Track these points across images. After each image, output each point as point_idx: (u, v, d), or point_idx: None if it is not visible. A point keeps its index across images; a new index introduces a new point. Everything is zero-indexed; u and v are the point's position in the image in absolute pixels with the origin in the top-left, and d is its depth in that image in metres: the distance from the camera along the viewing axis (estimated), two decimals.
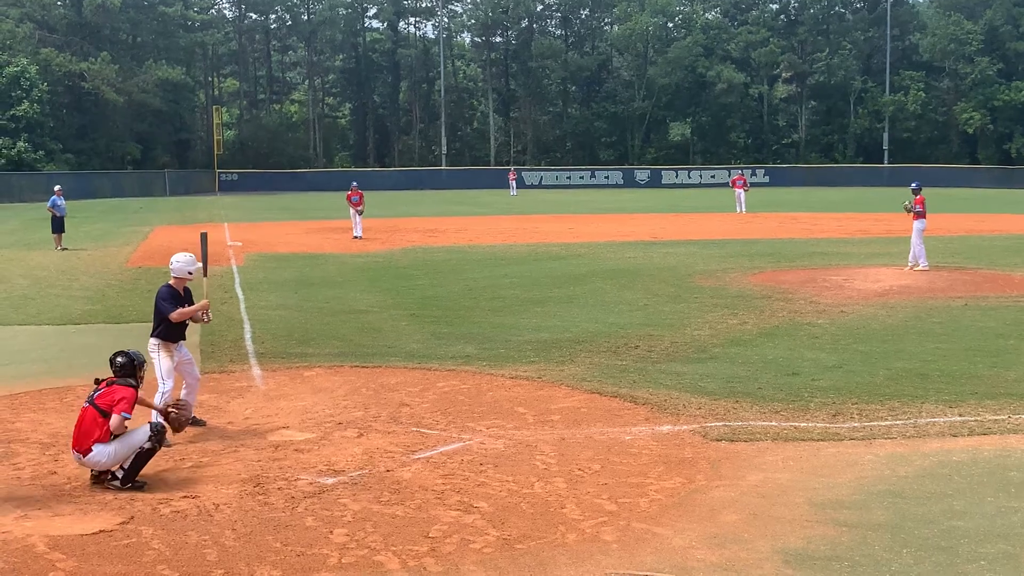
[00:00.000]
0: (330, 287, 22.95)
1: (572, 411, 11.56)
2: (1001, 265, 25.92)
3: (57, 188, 34.51)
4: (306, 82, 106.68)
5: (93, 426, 8.88)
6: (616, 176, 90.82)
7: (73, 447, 9.01)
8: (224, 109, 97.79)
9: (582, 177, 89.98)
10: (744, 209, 48.47)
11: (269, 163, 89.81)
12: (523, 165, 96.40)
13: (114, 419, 8.83)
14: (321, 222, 43.69)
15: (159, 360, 10.75)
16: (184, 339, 11.07)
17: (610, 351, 14.95)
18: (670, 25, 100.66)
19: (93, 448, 8.82)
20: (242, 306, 19.66)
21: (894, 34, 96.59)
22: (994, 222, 42.06)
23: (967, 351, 14.78)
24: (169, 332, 10.77)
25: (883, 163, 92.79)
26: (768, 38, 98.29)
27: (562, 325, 17.30)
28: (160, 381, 10.70)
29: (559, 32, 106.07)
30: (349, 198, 35.81)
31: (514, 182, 73.21)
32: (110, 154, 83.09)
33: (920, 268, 24.25)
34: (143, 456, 8.98)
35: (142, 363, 9.46)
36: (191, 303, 10.92)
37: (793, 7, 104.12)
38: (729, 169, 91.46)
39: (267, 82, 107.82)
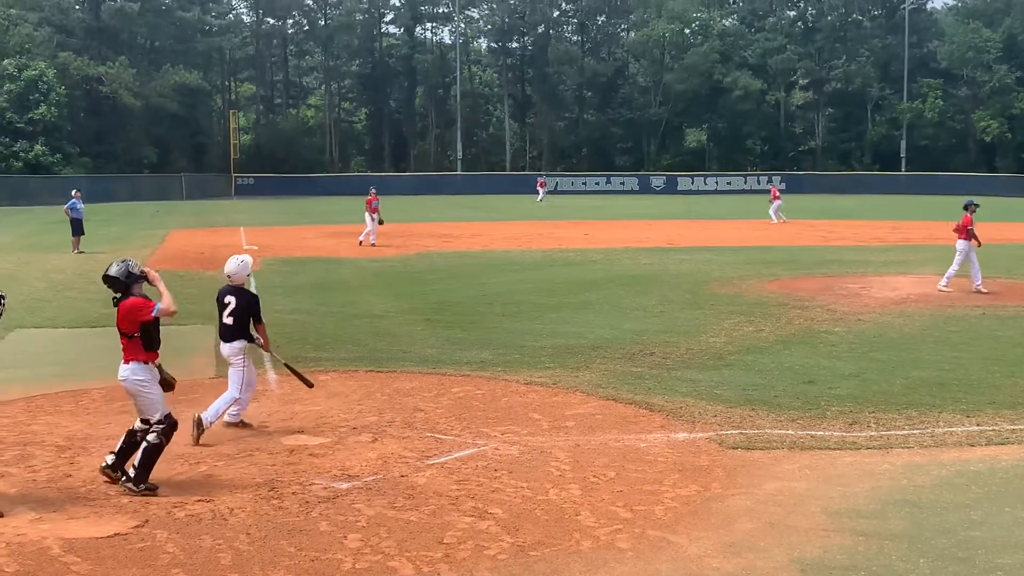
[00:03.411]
0: (345, 291, 22.97)
1: (587, 417, 11.52)
2: (1019, 274, 25.79)
3: (75, 192, 34.62)
4: (323, 87, 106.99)
5: (129, 346, 9.02)
6: (632, 182, 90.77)
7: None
8: (241, 113, 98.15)
9: (598, 183, 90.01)
10: (775, 219, 47.58)
11: (285, 168, 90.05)
12: (539, 171, 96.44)
13: (156, 307, 8.92)
14: (337, 226, 43.74)
15: (245, 368, 10.90)
16: None
17: (625, 358, 14.90)
18: (687, 31, 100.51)
19: (129, 364, 9.01)
20: None
21: (912, 41, 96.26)
22: (1012, 231, 41.82)
23: (985, 360, 14.69)
24: (250, 334, 10.96)
25: (900, 171, 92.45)
26: (785, 45, 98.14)
27: (577, 331, 17.26)
28: (239, 389, 10.85)
29: (575, 38, 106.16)
30: (369, 203, 34.96)
31: (543, 190, 73.26)
32: (127, 158, 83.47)
33: (973, 288, 22.02)
34: (151, 452, 8.93)
35: (134, 272, 9.12)
36: None
37: (811, 14, 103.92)
38: (745, 176, 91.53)
39: (284, 87, 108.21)
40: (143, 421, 9.15)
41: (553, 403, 12.21)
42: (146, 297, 9.17)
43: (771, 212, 48.39)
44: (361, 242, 34.42)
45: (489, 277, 25.47)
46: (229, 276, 11.06)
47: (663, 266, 27.85)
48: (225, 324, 10.95)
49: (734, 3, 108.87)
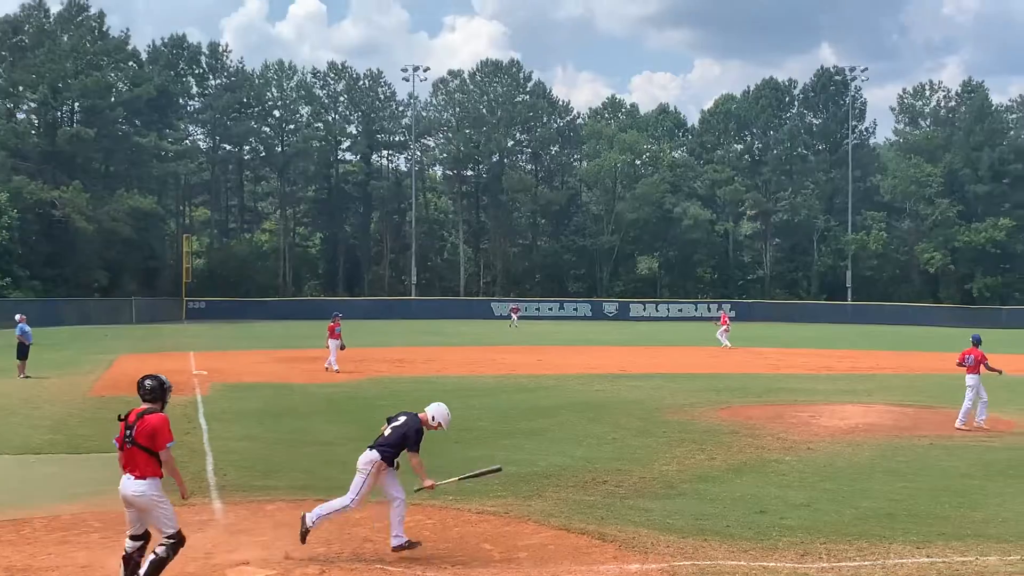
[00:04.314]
0: (296, 418, 22.74)
1: (539, 548, 11.40)
2: None
3: (19, 316, 34.11)
4: (278, 212, 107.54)
5: (148, 462, 9.17)
6: (585, 308, 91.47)
7: (125, 469, 9.26)
8: (194, 238, 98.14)
9: (551, 309, 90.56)
10: (723, 342, 48.66)
11: (238, 291, 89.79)
12: (492, 296, 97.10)
13: (163, 455, 9.17)
14: (289, 351, 43.49)
15: (367, 479, 11.04)
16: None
17: (578, 486, 14.83)
18: (638, 162, 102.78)
19: (147, 479, 9.13)
20: (205, 437, 19.40)
21: (855, 175, 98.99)
22: (956, 361, 42.37)
23: (933, 491, 14.78)
24: (392, 457, 11.09)
25: (847, 300, 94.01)
26: (733, 177, 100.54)
27: (529, 458, 17.17)
28: (352, 495, 11.01)
29: (529, 167, 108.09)
30: (332, 329, 34.51)
31: (516, 315, 74.01)
32: (77, 281, 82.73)
33: (976, 423, 21.57)
34: (158, 565, 9.10)
35: (170, 387, 9.71)
36: None
37: (757, 148, 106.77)
38: (696, 304, 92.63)
39: (239, 211, 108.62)
40: (133, 537, 9.33)
41: (505, 533, 12.09)
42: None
43: (718, 335, 49.35)
44: (327, 368, 34.04)
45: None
46: (432, 416, 11.58)
47: (615, 393, 27.89)
48: (382, 433, 11.30)
49: (683, 136, 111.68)
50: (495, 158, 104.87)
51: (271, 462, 16.89)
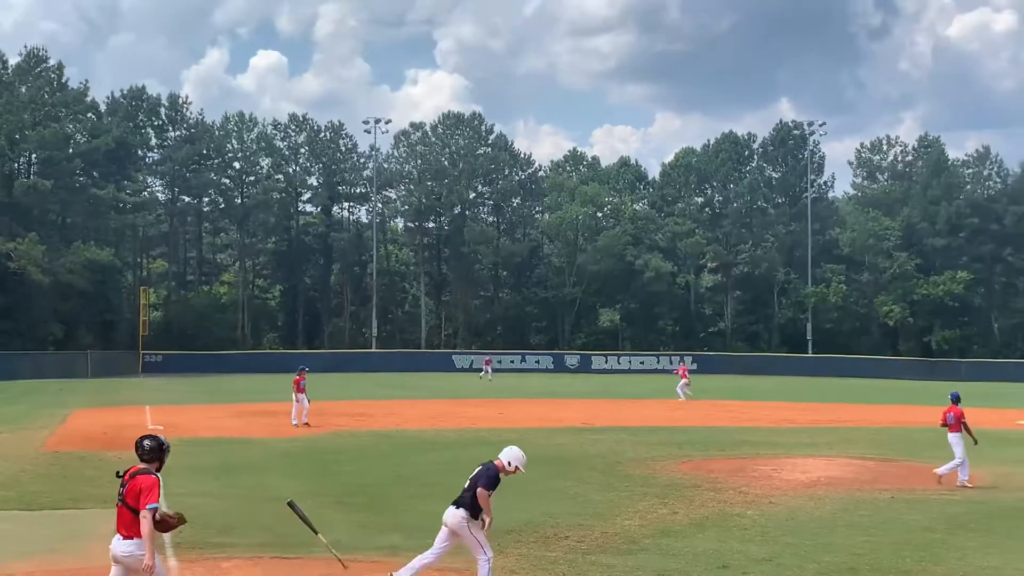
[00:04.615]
0: (253, 473, 22.39)
1: None
2: (925, 457, 26.09)
3: None
4: (237, 264, 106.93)
5: (135, 523, 9.11)
6: (547, 360, 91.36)
7: (117, 528, 9.28)
8: (151, 290, 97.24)
9: (513, 361, 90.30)
10: (681, 396, 49.03)
11: (195, 344, 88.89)
12: (454, 348, 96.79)
13: (142, 515, 9.05)
14: (246, 404, 43.02)
15: (474, 533, 11.26)
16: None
17: (540, 541, 14.67)
18: (599, 215, 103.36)
19: (134, 540, 9.11)
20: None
21: (815, 228, 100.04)
22: (916, 414, 42.55)
23: (896, 545, 14.74)
24: (474, 507, 11.19)
25: (807, 352, 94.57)
26: (694, 229, 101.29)
27: None
28: (482, 549, 11.18)
29: (491, 219, 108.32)
30: (297, 383, 34.08)
31: (489, 367, 73.86)
32: (32, 335, 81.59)
33: (958, 483, 20.86)
34: None
35: (168, 447, 9.63)
36: None
37: (718, 200, 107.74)
38: (658, 356, 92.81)
39: (197, 263, 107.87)
40: None
41: None
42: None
43: (677, 389, 49.60)
44: (296, 424, 33.30)
45: (402, 457, 25.11)
46: (508, 461, 11.81)
47: (578, 446, 27.76)
48: (466, 488, 11.55)
49: (644, 188, 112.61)
50: (457, 210, 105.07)
51: (228, 518, 16.57)
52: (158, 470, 9.42)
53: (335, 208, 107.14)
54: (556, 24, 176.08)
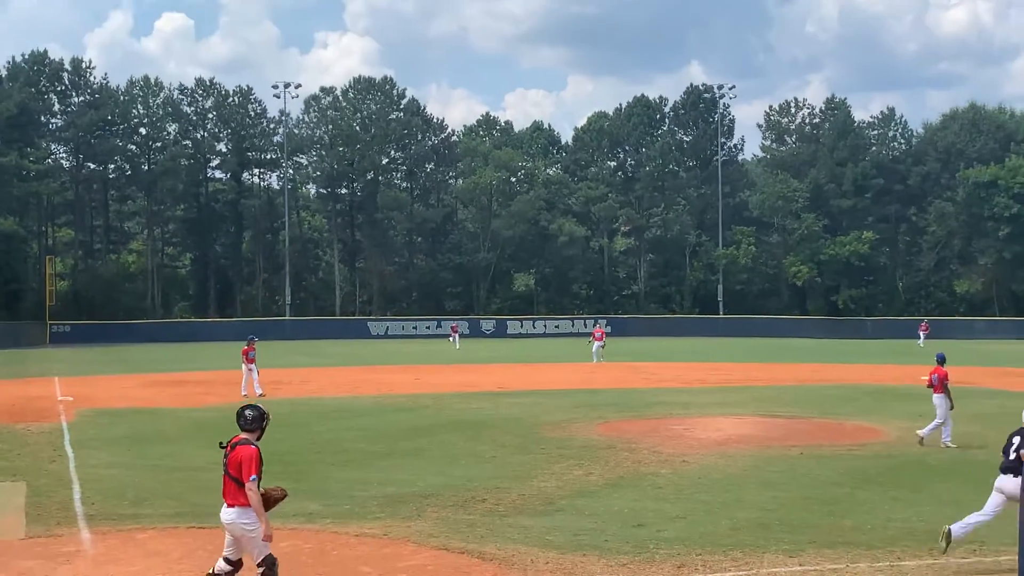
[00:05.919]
0: (166, 443, 22.12)
1: (419, 569, 11.30)
2: (833, 414, 26.83)
3: None
4: (145, 232, 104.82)
5: (238, 492, 9.32)
6: (462, 326, 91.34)
7: (225, 500, 9.50)
8: (58, 259, 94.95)
9: (428, 327, 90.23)
10: (595, 359, 49.33)
11: (104, 314, 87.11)
12: (369, 315, 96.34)
13: (247, 487, 9.24)
14: (158, 375, 42.37)
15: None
16: None
17: (457, 505, 14.76)
18: (513, 179, 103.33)
19: (236, 508, 9.36)
20: (71, 465, 18.73)
21: (725, 191, 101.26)
22: (824, 371, 43.69)
23: (805, 500, 15.14)
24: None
25: (719, 314, 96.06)
26: (607, 193, 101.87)
27: (408, 479, 17.04)
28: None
29: (404, 184, 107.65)
30: (246, 352, 33.42)
31: (456, 334, 73.47)
32: None
33: (942, 443, 20.69)
34: None
35: (269, 417, 9.76)
36: None
37: (630, 164, 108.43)
38: (572, 319, 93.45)
39: (104, 232, 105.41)
40: (227, 560, 9.64)
41: (384, 555, 11.94)
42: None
43: (593, 350, 49.96)
44: (245, 394, 32.05)
45: (319, 425, 25.00)
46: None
47: (494, 410, 27.90)
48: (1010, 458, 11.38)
49: (557, 153, 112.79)
50: (369, 176, 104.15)
51: (141, 489, 16.37)
52: (258, 439, 9.56)
53: (245, 174, 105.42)
54: None
